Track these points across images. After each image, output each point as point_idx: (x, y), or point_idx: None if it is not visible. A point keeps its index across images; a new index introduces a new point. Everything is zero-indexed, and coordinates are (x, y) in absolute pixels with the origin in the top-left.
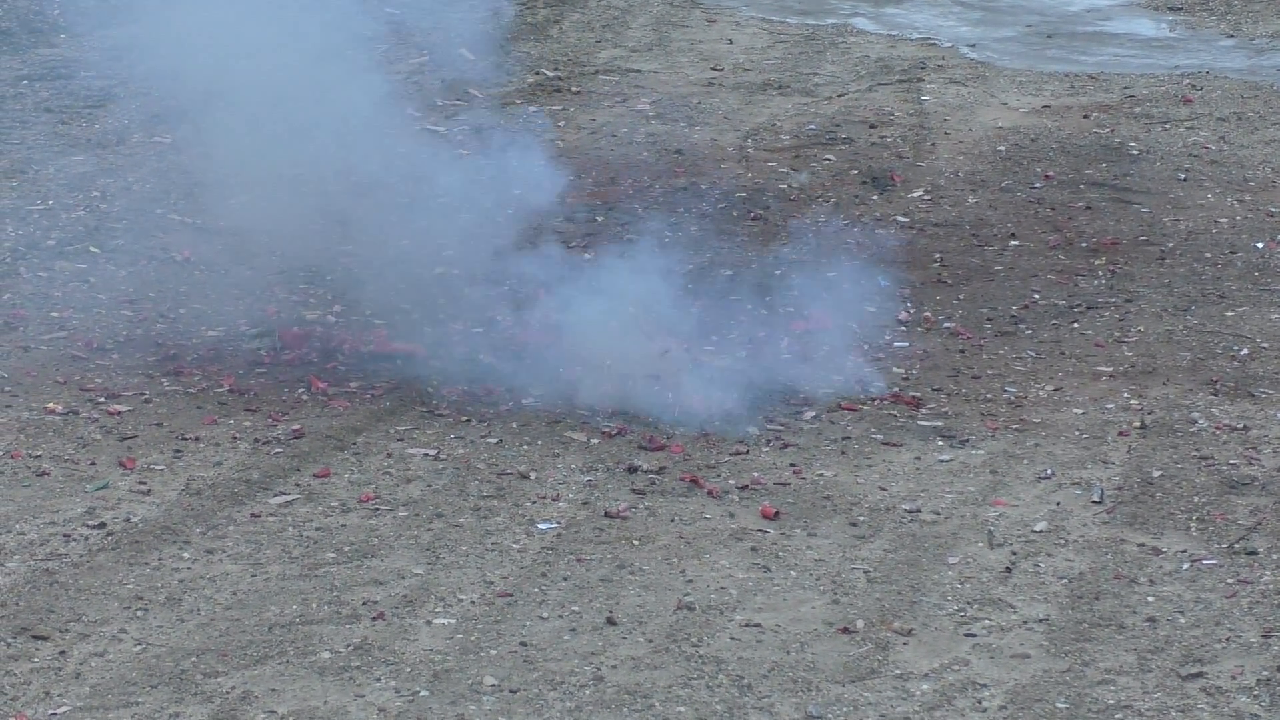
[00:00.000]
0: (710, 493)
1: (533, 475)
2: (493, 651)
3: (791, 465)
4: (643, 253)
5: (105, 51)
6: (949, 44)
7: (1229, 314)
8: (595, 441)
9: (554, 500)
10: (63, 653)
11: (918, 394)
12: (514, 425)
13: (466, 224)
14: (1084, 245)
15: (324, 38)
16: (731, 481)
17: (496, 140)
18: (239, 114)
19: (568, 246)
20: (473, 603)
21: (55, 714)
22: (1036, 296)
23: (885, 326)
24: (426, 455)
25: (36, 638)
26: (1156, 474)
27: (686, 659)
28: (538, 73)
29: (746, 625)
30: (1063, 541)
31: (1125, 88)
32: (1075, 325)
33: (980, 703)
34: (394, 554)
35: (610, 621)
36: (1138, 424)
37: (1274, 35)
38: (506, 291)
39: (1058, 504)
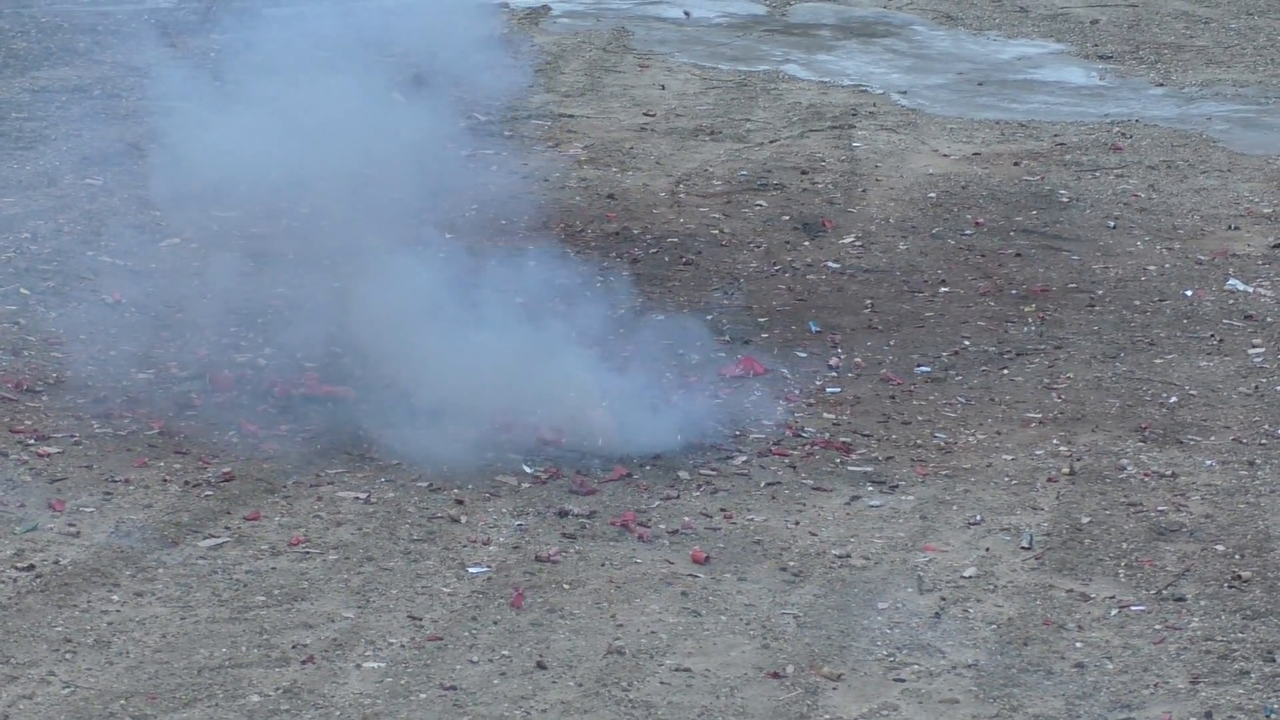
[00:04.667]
0: (641, 537)
1: (463, 519)
2: (422, 695)
3: (722, 510)
4: (573, 297)
5: (36, 93)
6: (880, 91)
7: (1158, 361)
8: (526, 485)
9: (485, 544)
10: None
11: (848, 439)
12: (445, 468)
13: (396, 267)
14: (1014, 292)
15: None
16: (662, 526)
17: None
18: (168, 157)
19: (499, 290)
20: (402, 646)
21: None
22: (967, 343)
23: (816, 372)
24: (357, 498)
25: None
26: (1085, 520)
27: (616, 703)
28: (469, 116)
29: (677, 670)
30: (992, 587)
31: (1055, 135)
32: (1005, 372)
33: None
34: (324, 597)
35: (540, 666)
36: (1067, 470)
37: (1203, 84)
38: (437, 336)
39: (987, 549)
